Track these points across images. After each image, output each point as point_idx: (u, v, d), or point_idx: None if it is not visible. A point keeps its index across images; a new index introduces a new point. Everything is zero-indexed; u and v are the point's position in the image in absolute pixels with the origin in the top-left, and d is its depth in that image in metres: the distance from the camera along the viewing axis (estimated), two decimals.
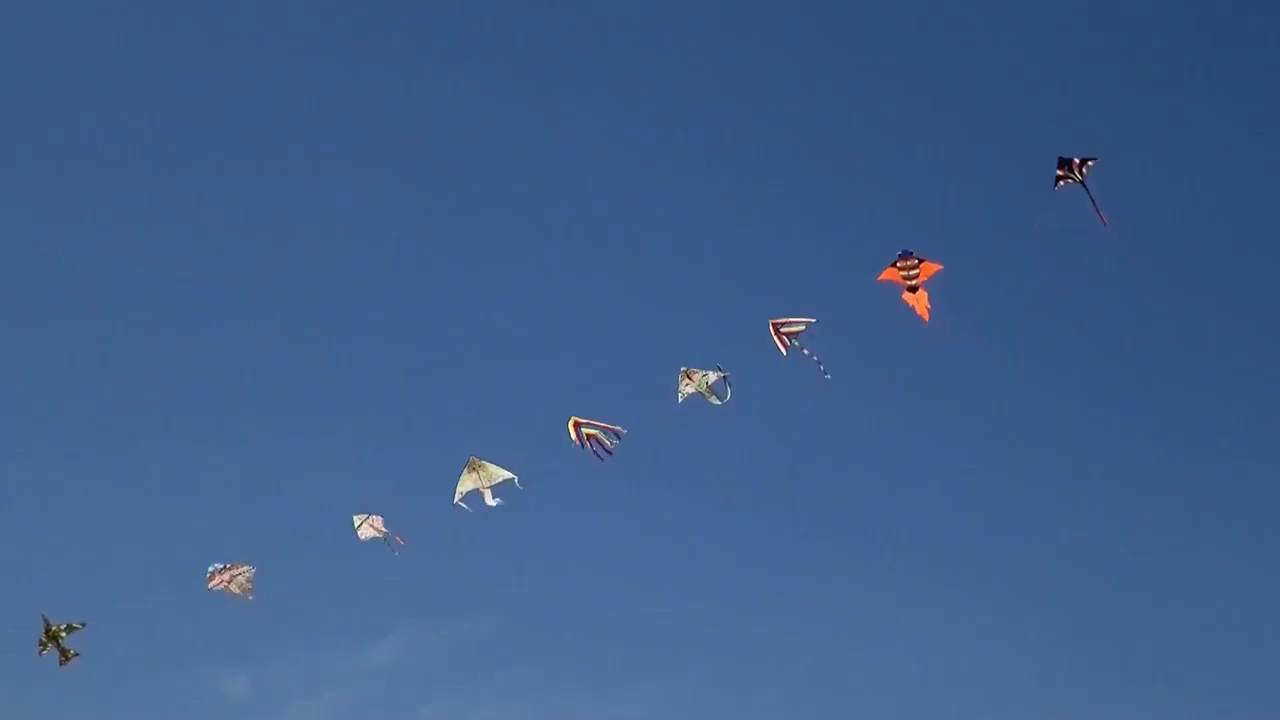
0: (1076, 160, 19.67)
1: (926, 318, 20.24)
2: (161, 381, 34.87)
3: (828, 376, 20.79)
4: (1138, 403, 35.57)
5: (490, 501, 20.70)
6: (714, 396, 20.94)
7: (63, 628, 19.83)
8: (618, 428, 20.87)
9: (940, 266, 20.20)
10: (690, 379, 21.02)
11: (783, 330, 20.76)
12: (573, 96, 36.72)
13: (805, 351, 20.71)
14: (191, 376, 35.16)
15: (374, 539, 20.85)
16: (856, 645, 32.90)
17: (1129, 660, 32.14)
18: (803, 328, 20.73)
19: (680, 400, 20.84)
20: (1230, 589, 32.78)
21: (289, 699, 31.42)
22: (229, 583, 20.32)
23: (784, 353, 20.70)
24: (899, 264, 20.20)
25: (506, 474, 20.71)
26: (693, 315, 33.61)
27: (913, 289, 20.16)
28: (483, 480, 20.61)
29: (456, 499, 20.65)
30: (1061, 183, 19.67)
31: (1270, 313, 35.20)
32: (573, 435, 20.69)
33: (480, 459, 20.71)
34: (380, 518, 20.82)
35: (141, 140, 36.36)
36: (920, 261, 20.19)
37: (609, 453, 20.81)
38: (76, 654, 19.94)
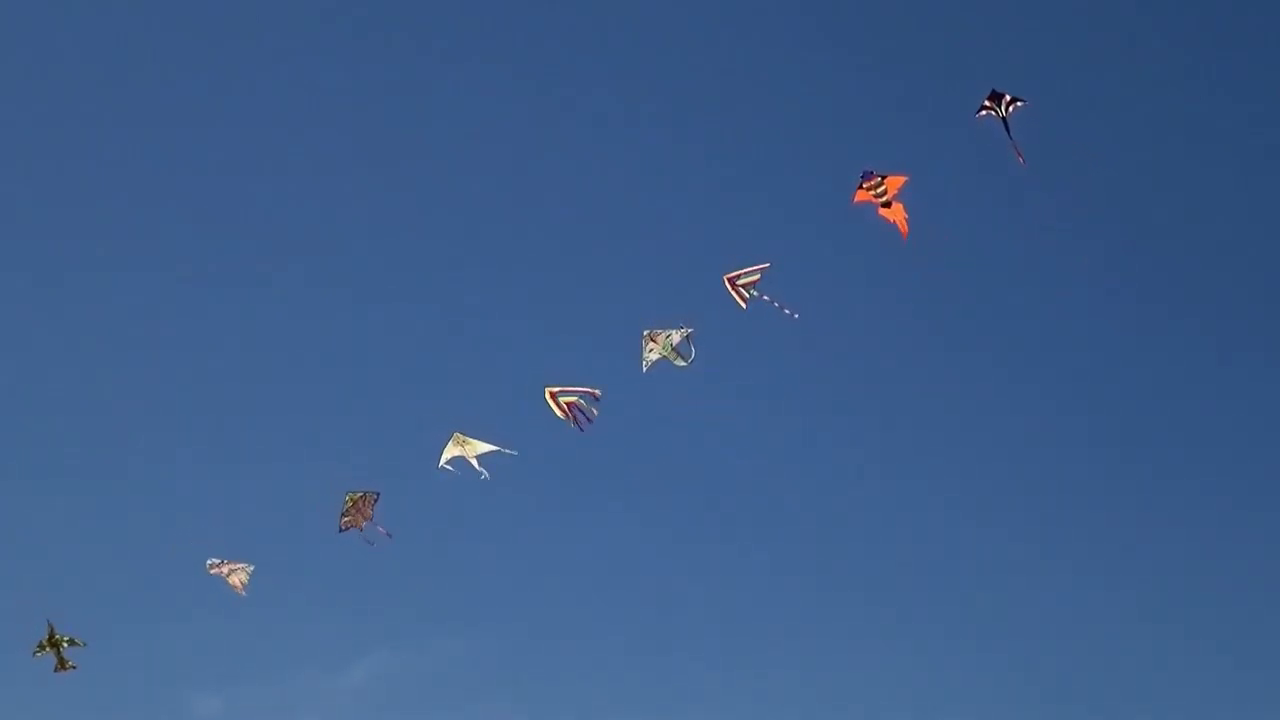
0: (1007, 97, 20.11)
1: (905, 231, 20.56)
2: (142, 399, 34.11)
3: (795, 316, 20.95)
4: (1119, 414, 35.36)
5: (480, 471, 20.75)
6: (679, 358, 21.07)
7: (66, 638, 20.17)
8: (594, 390, 21.10)
9: (906, 177, 20.53)
10: (654, 341, 21.15)
11: (739, 283, 20.97)
12: (573, 96, 36.41)
13: (765, 298, 20.91)
14: (172, 393, 34.37)
15: (353, 529, 20.73)
16: (861, 678, 32.52)
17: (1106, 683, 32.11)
18: (758, 276, 20.95)
19: (645, 368, 20.97)
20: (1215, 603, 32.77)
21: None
22: (228, 575, 20.63)
23: (744, 306, 20.89)
24: (865, 185, 20.56)
25: (491, 447, 20.74)
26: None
27: (886, 204, 20.54)
28: (468, 452, 20.66)
29: (442, 463, 20.73)
30: (984, 113, 20.16)
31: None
32: (553, 407, 20.78)
33: (465, 435, 20.76)
34: (377, 496, 20.76)
35: (139, 142, 35.64)
36: (884, 177, 20.55)
37: (589, 420, 20.95)
38: (74, 666, 20.36)
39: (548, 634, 33.07)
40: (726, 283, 21.03)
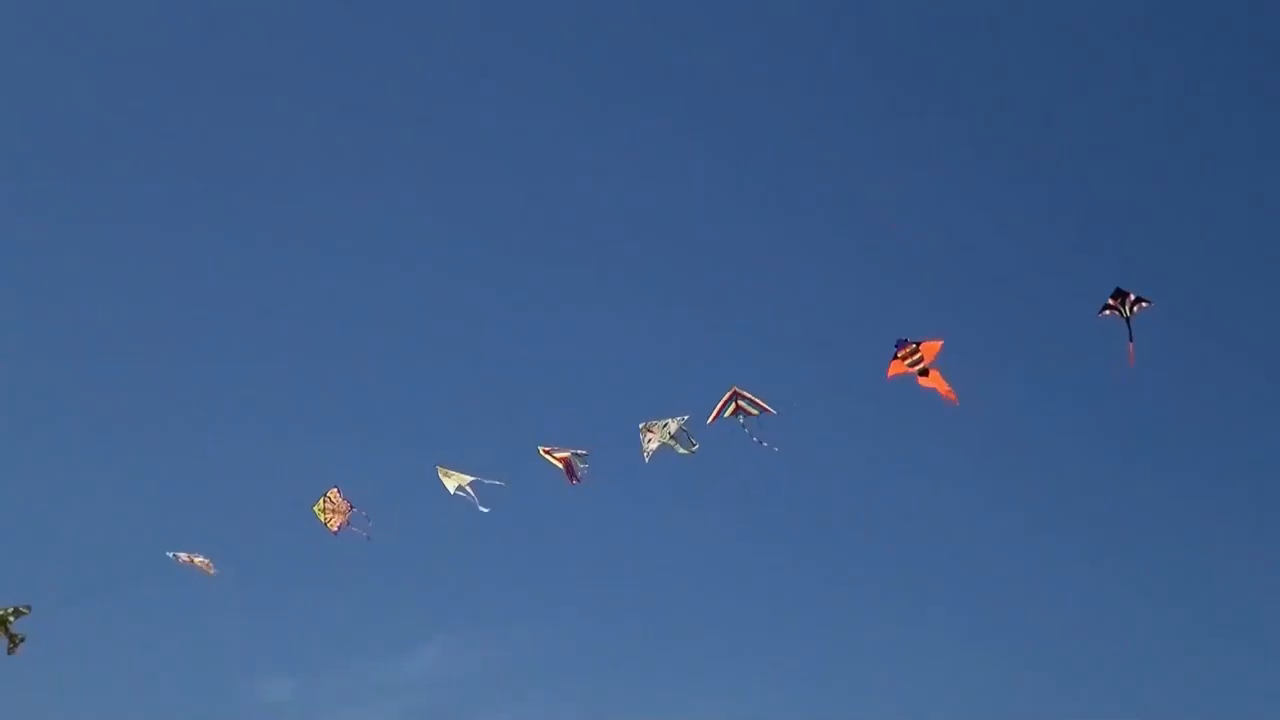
0: (1131, 297, 19.64)
1: (952, 397, 20.05)
2: (204, 382, 35.26)
3: (775, 450, 20.93)
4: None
5: (473, 498, 20.97)
6: (679, 446, 20.97)
7: (10, 612, 19.08)
8: (581, 450, 21.12)
9: (940, 343, 20.03)
10: (652, 432, 21.15)
11: (740, 401, 20.77)
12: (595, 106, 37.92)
13: (746, 430, 20.69)
14: (226, 378, 35.43)
15: (345, 527, 20.79)
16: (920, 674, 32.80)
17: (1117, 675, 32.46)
18: (756, 412, 20.78)
19: (646, 459, 20.87)
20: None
21: (333, 706, 31.35)
22: (190, 561, 20.53)
23: (711, 420, 20.71)
24: (900, 354, 20.09)
25: (467, 478, 20.95)
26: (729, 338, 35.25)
27: (924, 373, 20.05)
28: (456, 481, 20.89)
29: (451, 490, 21.04)
30: (1107, 312, 19.63)
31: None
32: (550, 461, 20.92)
33: (446, 468, 21.02)
34: (336, 489, 20.86)
35: (135, 138, 37.11)
36: (918, 345, 20.13)
37: (580, 479, 21.03)
38: (23, 639, 19.15)
39: (616, 629, 33.83)
40: (730, 393, 20.85)
